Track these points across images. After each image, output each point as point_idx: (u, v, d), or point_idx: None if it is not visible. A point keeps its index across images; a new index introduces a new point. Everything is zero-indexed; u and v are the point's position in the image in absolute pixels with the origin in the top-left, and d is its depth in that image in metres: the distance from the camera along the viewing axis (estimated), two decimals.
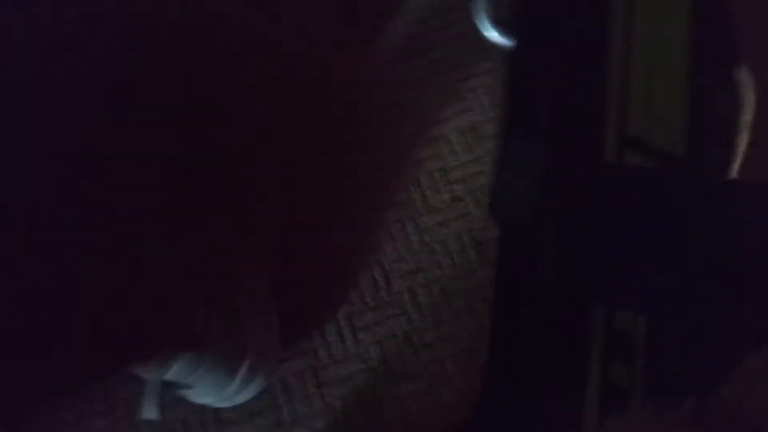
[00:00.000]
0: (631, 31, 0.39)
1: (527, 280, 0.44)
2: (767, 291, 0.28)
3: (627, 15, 0.40)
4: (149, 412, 0.56)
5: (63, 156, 0.43)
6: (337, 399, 0.68)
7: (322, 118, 0.80)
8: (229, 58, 0.65)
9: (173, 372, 0.55)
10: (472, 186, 0.76)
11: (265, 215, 0.71)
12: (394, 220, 0.75)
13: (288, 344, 0.70)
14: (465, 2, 0.84)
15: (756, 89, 0.47)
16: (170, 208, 0.54)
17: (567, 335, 0.38)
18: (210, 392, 0.61)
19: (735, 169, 0.42)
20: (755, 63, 0.57)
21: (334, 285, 0.73)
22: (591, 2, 0.42)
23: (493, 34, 0.46)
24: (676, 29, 0.38)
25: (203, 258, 0.62)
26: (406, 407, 0.68)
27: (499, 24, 0.46)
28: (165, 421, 0.65)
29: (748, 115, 0.42)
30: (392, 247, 0.74)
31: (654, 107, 0.38)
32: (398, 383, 0.68)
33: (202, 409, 0.67)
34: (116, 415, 0.67)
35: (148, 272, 0.51)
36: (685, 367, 0.34)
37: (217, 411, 0.68)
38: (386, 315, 0.71)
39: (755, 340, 0.29)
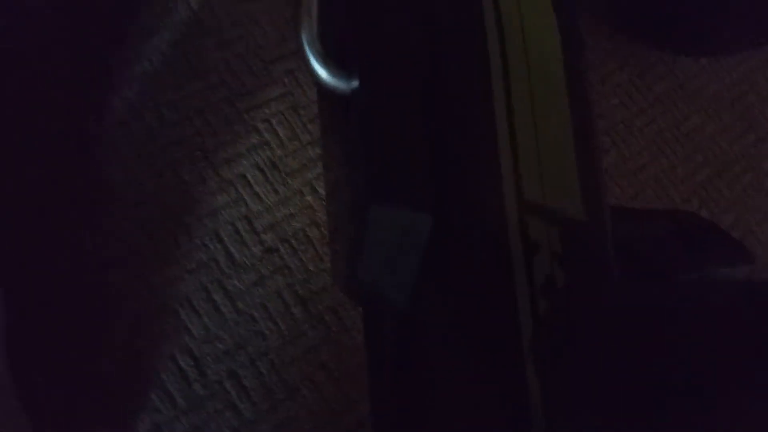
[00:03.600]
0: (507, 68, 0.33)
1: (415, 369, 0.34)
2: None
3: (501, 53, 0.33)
4: None
5: None
6: None
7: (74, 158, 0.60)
8: None
9: None
10: (285, 233, 0.64)
11: None
12: (195, 290, 0.59)
13: None
14: (240, 16, 0.72)
15: None
16: None
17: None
18: None
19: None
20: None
21: (125, 390, 0.54)
22: (461, 42, 0.35)
23: (325, 75, 0.35)
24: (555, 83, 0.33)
25: None
26: None
27: (332, 61, 0.35)
28: None
29: None
30: (199, 325, 0.58)
31: (546, 169, 0.32)
32: None
33: None
34: None
35: None
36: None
37: None
38: (207, 414, 0.55)
39: None
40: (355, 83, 0.34)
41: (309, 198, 0.66)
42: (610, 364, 0.24)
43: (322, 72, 0.34)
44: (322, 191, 0.67)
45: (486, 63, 0.33)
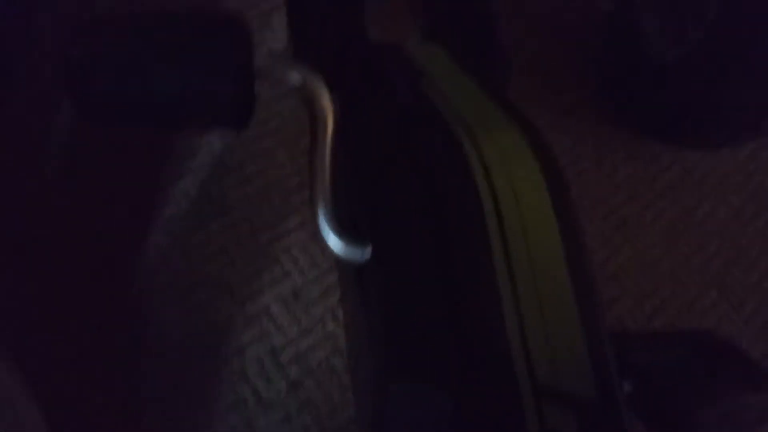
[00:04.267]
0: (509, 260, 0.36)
1: None
2: None
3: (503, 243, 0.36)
4: None
5: None
6: None
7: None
8: None
9: None
10: (309, 364, 0.66)
11: None
12: None
13: None
14: (259, 152, 0.76)
15: None
16: None
17: None
18: None
19: None
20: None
21: None
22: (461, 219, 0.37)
23: (341, 249, 0.38)
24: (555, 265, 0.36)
25: None
26: None
27: (347, 233, 0.38)
28: None
29: None
30: None
31: (554, 347, 0.34)
32: None
33: None
34: None
35: None
36: None
37: None
38: None
39: None
40: (368, 253, 0.36)
41: (331, 326, 0.69)
42: None
43: (338, 247, 0.37)
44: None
45: (486, 237, 0.35)
